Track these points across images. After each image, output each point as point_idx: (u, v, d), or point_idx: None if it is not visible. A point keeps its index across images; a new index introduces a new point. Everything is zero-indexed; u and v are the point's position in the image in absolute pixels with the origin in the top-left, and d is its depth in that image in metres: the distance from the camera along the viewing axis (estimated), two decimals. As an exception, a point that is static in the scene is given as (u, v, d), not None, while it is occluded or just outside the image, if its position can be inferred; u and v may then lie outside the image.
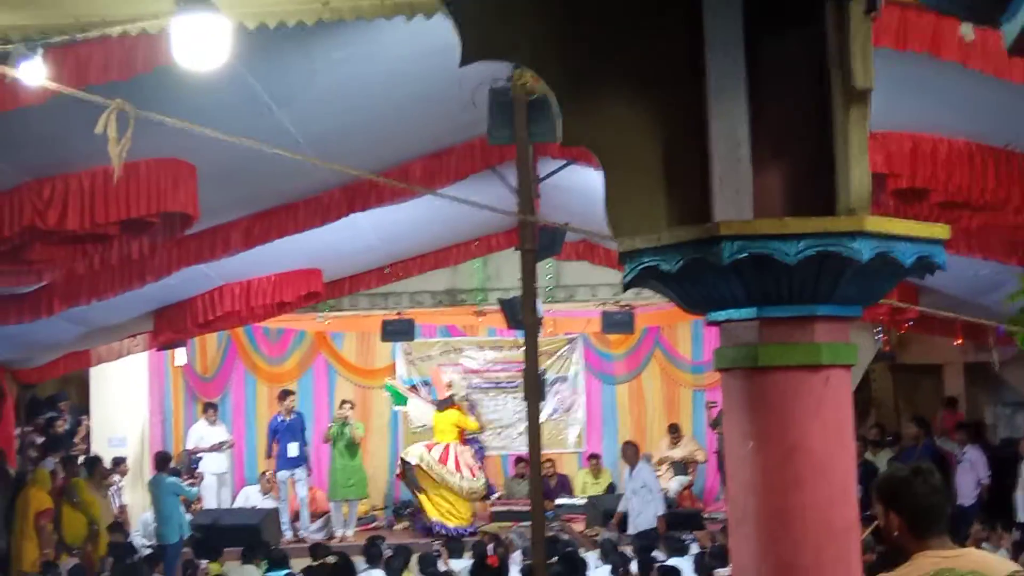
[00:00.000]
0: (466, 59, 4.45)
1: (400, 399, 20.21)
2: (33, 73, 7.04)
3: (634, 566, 13.04)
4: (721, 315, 4.23)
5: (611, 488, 20.16)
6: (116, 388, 19.34)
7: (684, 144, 4.32)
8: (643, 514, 16.74)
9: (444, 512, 18.14)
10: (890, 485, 4.84)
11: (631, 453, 17.68)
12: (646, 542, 14.48)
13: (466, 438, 19.15)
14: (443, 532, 17.62)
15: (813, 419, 4.12)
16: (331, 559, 9.02)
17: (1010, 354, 15.18)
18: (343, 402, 19.54)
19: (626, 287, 4.45)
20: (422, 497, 18.32)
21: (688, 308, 4.42)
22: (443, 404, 19.18)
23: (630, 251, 4.26)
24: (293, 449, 18.81)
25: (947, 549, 4.66)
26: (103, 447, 18.71)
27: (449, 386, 19.73)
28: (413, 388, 20.45)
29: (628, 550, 14.22)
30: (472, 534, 17.31)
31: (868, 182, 4.10)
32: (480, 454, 19.44)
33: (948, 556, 4.60)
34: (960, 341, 17.42)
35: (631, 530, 16.46)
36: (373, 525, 19.71)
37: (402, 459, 18.72)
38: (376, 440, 21.31)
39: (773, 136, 4.19)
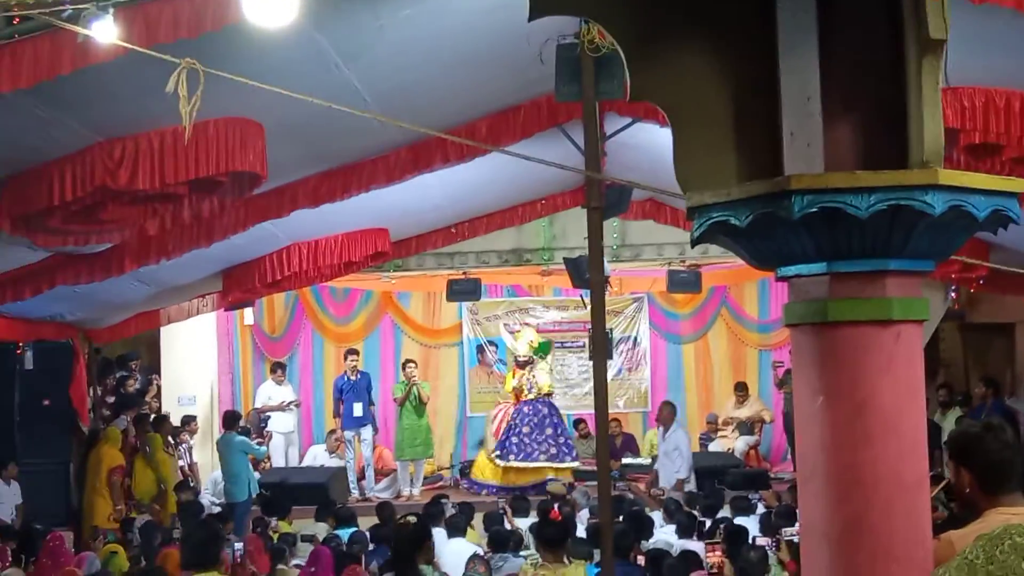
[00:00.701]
0: (535, 13, 4.43)
1: (545, 348, 20.03)
2: (104, 32, 7.08)
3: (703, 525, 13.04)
4: (791, 270, 4.20)
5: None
6: (185, 348, 19.57)
7: (754, 98, 4.29)
8: (668, 475, 16.89)
9: None
10: (961, 441, 4.80)
11: (667, 414, 17.69)
12: (712, 501, 14.47)
13: (521, 400, 19.25)
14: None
15: (883, 375, 4.09)
16: (410, 518, 9.08)
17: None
18: (407, 361, 19.62)
19: (694, 243, 4.43)
20: None
21: (757, 264, 4.39)
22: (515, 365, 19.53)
23: (699, 206, 4.23)
24: (358, 409, 18.94)
25: (1019, 506, 4.62)
26: (173, 406, 18.96)
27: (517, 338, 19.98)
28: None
29: (695, 510, 14.20)
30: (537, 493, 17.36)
31: (941, 134, 4.05)
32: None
33: (1019, 512, 4.56)
34: (1031, 299, 17.22)
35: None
36: (439, 484, 19.83)
37: None
38: (443, 400, 21.42)
39: (844, 89, 4.14)
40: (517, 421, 18.78)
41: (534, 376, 19.21)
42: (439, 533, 12.71)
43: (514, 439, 18.64)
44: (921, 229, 3.94)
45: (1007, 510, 4.58)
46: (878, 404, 4.06)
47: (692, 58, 4.36)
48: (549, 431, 18.66)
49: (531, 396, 18.97)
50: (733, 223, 4.08)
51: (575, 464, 18.64)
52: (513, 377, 19.38)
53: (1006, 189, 4.05)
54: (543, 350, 19.49)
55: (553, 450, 18.51)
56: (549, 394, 19.41)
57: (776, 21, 4.21)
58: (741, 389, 20.55)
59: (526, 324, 21.23)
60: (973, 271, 14.81)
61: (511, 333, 20.91)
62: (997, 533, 3.92)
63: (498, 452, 18.66)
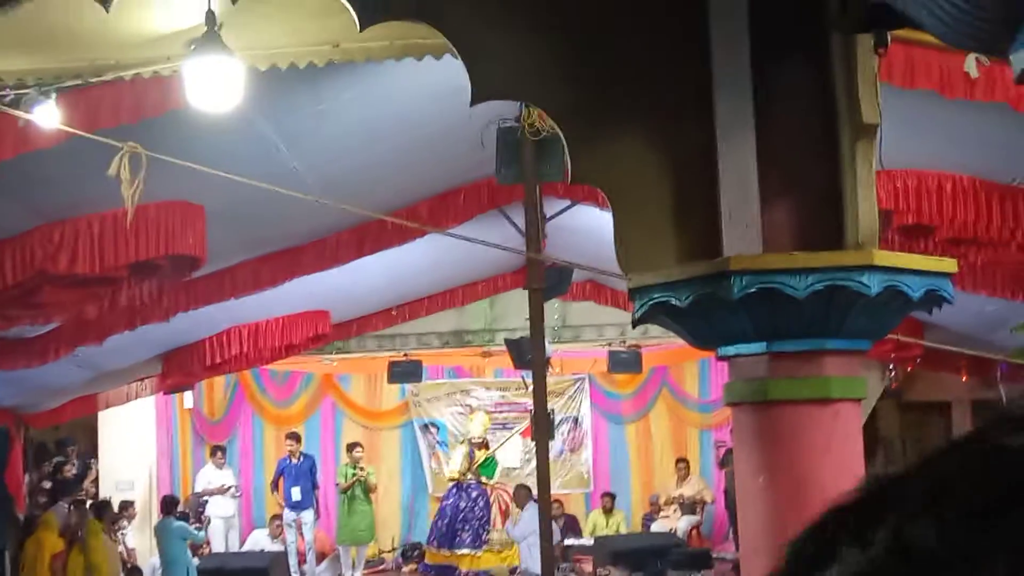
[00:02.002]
0: (476, 99, 4.50)
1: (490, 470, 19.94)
2: (47, 117, 7.09)
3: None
4: (731, 350, 4.26)
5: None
6: (124, 432, 19.34)
7: (693, 180, 4.36)
8: (533, 559, 16.94)
9: None
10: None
11: (523, 496, 17.75)
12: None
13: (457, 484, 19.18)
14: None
15: (823, 453, 4.14)
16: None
17: (1017, 391, 15.16)
18: (354, 445, 19.53)
19: (635, 323, 4.48)
20: None
21: (698, 343, 4.45)
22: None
23: (640, 287, 4.29)
24: (296, 493, 18.79)
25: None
26: (111, 491, 18.70)
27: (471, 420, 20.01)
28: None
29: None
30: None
31: (875, 216, 4.14)
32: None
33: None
34: (966, 378, 17.40)
35: (523, 564, 16.79)
36: (381, 568, 19.65)
37: None
38: (386, 482, 21.27)
39: (781, 171, 4.23)
40: (445, 509, 18.82)
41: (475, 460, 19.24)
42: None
43: (443, 528, 18.61)
44: (858, 309, 4.02)
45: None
46: (818, 482, 4.10)
47: (631, 141, 4.43)
48: (471, 517, 18.57)
49: (470, 479, 18.93)
50: (674, 304, 4.14)
51: (481, 553, 18.59)
52: (464, 459, 19.34)
53: (939, 270, 4.14)
54: (488, 471, 19.45)
55: (469, 539, 18.43)
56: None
57: (713, 106, 4.29)
58: (682, 464, 20.57)
59: (470, 407, 21.22)
60: (909, 350, 14.97)
61: (462, 415, 20.95)
62: None
63: (434, 543, 18.74)
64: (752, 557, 4.24)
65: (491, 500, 18.98)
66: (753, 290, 3.96)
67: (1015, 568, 0.67)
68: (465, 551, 18.30)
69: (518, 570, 17.25)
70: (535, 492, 18.17)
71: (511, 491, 19.02)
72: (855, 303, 4.00)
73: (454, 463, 19.30)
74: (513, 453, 19.93)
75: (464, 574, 17.80)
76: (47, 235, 9.40)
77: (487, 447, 19.30)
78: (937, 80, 7.55)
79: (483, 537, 18.49)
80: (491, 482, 19.03)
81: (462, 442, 19.55)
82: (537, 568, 16.39)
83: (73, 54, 7.05)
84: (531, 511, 17.61)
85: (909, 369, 18.27)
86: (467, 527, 18.45)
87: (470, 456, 18.99)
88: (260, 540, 19.43)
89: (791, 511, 4.13)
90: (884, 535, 0.72)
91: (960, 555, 0.68)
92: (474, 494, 18.74)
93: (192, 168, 7.23)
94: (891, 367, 18.28)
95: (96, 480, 19.03)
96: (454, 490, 18.86)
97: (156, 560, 17.13)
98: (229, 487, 19.40)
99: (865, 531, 0.73)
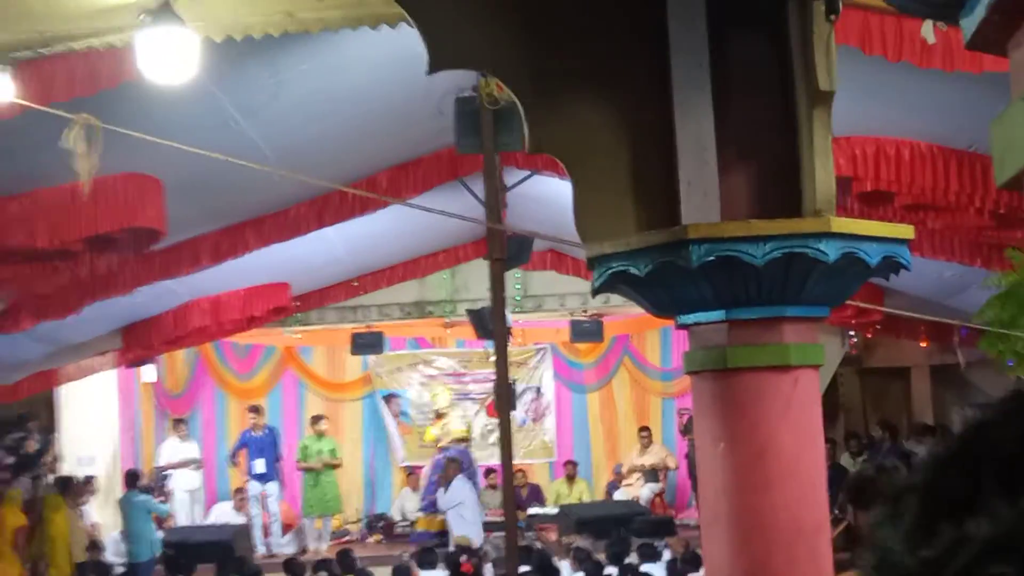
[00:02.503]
0: (433, 68, 4.47)
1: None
2: (0, 89, 7.02)
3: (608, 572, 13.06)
4: (690, 318, 4.27)
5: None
6: (85, 407, 19.23)
7: (651, 149, 4.36)
8: (460, 520, 17.06)
9: None
10: (857, 484, 4.89)
11: (452, 470, 17.87)
12: (618, 549, 14.50)
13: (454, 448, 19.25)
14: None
15: (782, 420, 4.16)
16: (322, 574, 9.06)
17: (976, 356, 15.28)
18: (318, 417, 19.55)
19: (595, 293, 4.48)
20: None
21: (657, 312, 4.45)
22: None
23: (599, 256, 4.29)
24: (260, 465, 18.76)
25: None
26: (73, 466, 18.61)
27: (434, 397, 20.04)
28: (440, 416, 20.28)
29: (602, 557, 14.23)
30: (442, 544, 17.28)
31: (833, 183, 4.15)
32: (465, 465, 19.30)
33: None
34: (925, 343, 17.54)
35: (455, 532, 16.89)
36: (346, 539, 19.66)
37: None
38: (349, 454, 21.27)
39: (739, 139, 4.23)
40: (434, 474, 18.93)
41: (447, 424, 19.38)
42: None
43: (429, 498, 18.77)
44: (816, 276, 4.03)
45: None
46: (778, 448, 4.12)
47: (589, 111, 4.42)
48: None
49: (446, 443, 19.06)
50: (633, 273, 4.14)
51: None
52: (433, 427, 19.51)
53: (897, 236, 4.15)
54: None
55: None
56: (464, 439, 19.51)
57: (670, 75, 4.28)
58: (644, 432, 20.65)
59: (431, 377, 21.31)
60: (869, 316, 15.06)
61: (425, 385, 21.09)
62: None
63: (421, 512, 18.79)
64: (712, 523, 4.26)
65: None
66: (711, 258, 3.96)
67: None
68: None
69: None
70: (464, 463, 18.42)
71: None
72: (813, 270, 4.01)
73: (454, 423, 19.53)
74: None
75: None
76: (2, 209, 9.31)
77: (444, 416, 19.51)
78: (892, 46, 7.56)
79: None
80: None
81: (442, 414, 19.78)
82: (467, 532, 16.50)
83: (24, 26, 6.98)
84: (459, 482, 17.72)
85: (869, 335, 18.40)
86: None
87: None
88: (224, 512, 19.39)
89: (750, 477, 4.15)
90: None
91: None
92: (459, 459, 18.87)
93: (149, 140, 7.16)
94: (851, 334, 18.39)
95: (57, 455, 18.92)
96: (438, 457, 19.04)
97: (119, 534, 17.08)
98: (191, 461, 19.34)
99: (1010, 479, 0.70)
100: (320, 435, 19.12)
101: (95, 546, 15.98)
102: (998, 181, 2.05)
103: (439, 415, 19.84)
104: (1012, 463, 0.71)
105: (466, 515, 17.46)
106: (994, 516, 0.69)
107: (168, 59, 6.92)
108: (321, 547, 18.51)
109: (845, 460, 17.86)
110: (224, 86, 9.02)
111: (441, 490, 17.93)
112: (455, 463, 18.20)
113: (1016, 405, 0.75)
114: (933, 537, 0.72)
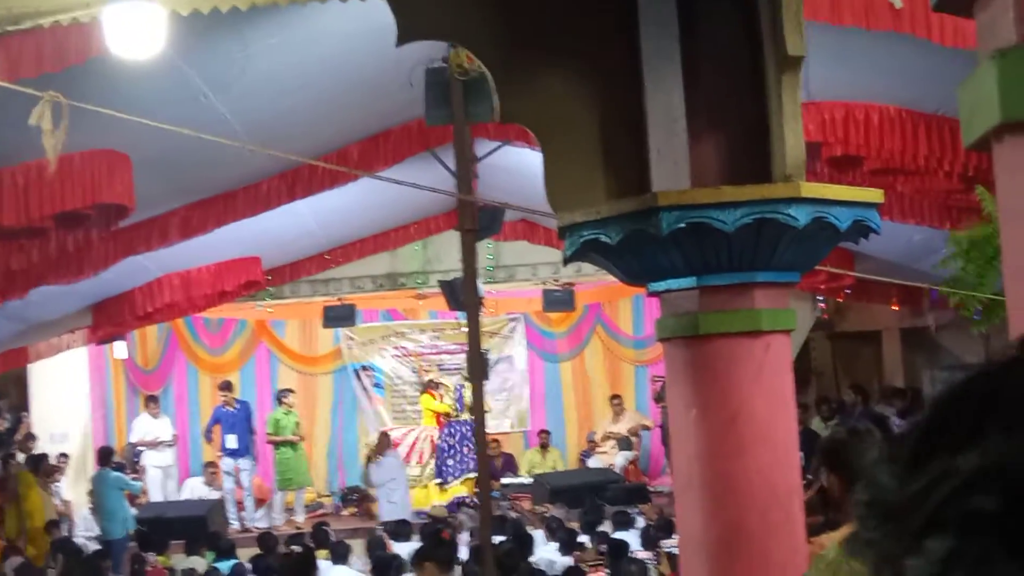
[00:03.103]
0: (402, 39, 4.47)
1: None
2: (-36, 66, 6.97)
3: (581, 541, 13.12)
4: (661, 285, 4.28)
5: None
6: (56, 384, 19.18)
7: (620, 117, 4.36)
8: (389, 505, 17.09)
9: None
10: (830, 447, 4.91)
11: (384, 442, 17.92)
12: (593, 518, 14.57)
13: (448, 421, 19.27)
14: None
15: (754, 385, 4.18)
16: (295, 548, 9.14)
17: (946, 318, 15.39)
18: (285, 392, 19.52)
19: (566, 261, 4.49)
20: None
21: (629, 280, 4.47)
22: (422, 388, 19.53)
23: (570, 225, 4.30)
24: (231, 441, 18.74)
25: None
26: (45, 444, 18.56)
27: (426, 370, 20.02)
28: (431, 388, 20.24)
29: (576, 526, 14.30)
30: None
31: (802, 148, 4.16)
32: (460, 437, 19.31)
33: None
34: (896, 307, 17.63)
35: (382, 518, 16.86)
36: (320, 512, 19.67)
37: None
38: (319, 428, 21.28)
39: (708, 106, 4.24)
40: (449, 442, 18.94)
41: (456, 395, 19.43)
42: (322, 561, 12.64)
43: (449, 461, 18.76)
44: (786, 241, 4.05)
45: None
46: (750, 414, 4.15)
47: (559, 80, 4.43)
48: (466, 449, 18.77)
49: (462, 416, 19.09)
50: (604, 241, 4.15)
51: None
52: (435, 400, 19.47)
53: (866, 200, 4.18)
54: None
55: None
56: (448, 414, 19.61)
57: (640, 43, 4.29)
58: (616, 400, 20.72)
59: (405, 349, 21.36)
60: (840, 281, 15.14)
61: (398, 358, 21.16)
62: (833, 558, 3.90)
63: (439, 480, 18.80)
64: (686, 489, 4.29)
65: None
66: (682, 225, 3.97)
67: None
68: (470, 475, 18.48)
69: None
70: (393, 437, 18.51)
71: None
72: (783, 235, 4.03)
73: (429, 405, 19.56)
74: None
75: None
76: (-30, 187, 9.26)
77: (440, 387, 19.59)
78: (862, 12, 7.58)
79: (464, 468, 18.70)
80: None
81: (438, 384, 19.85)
82: (395, 517, 16.50)
83: (-11, 2, 6.93)
84: (390, 457, 17.75)
85: (840, 300, 18.48)
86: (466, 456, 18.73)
87: (457, 391, 19.28)
88: (195, 488, 19.37)
89: (723, 443, 4.17)
90: None
91: None
92: (464, 430, 18.89)
93: (117, 116, 7.13)
94: (822, 298, 18.48)
95: (30, 433, 18.88)
96: (446, 428, 19.14)
97: (91, 511, 17.06)
98: (164, 441, 19.29)
99: (1016, 416, 0.70)
100: (289, 409, 19.10)
101: (55, 525, 15.89)
102: (965, 142, 2.06)
103: (432, 385, 19.74)
104: (1014, 404, 0.71)
105: (395, 497, 17.46)
106: (984, 449, 0.69)
107: (135, 34, 6.88)
108: (299, 519, 18.52)
109: (816, 424, 17.97)
110: (192, 61, 8.97)
111: (373, 465, 17.93)
112: (386, 436, 18.26)
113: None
114: (923, 472, 0.72)
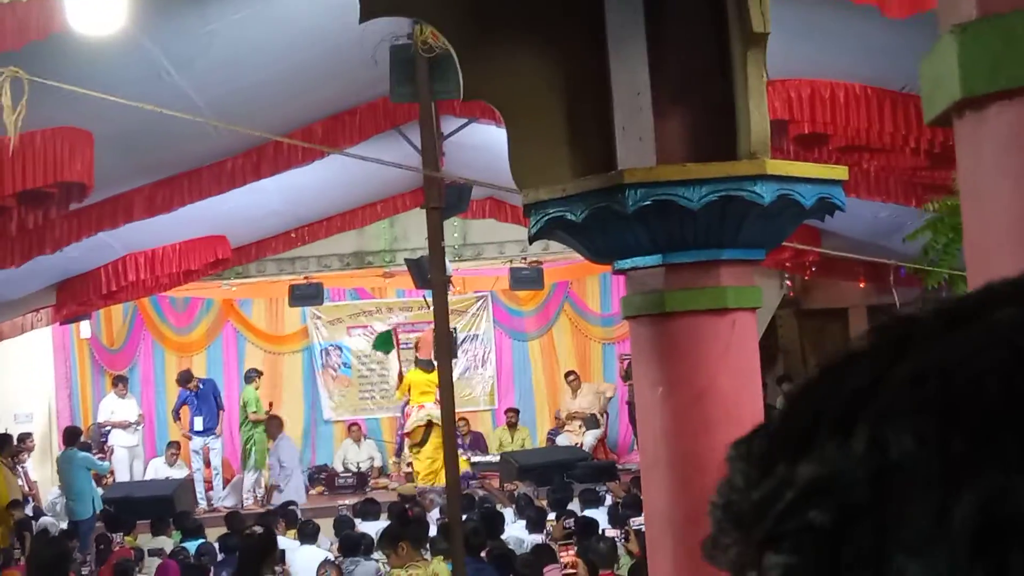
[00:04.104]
0: (365, 16, 4.43)
1: (386, 346, 20.02)
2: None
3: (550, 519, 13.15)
4: (627, 263, 4.27)
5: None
6: (20, 364, 19.06)
7: (585, 94, 4.34)
8: (281, 489, 17.10)
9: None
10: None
11: (274, 427, 17.91)
12: (561, 496, 14.59)
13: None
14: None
15: (721, 362, 4.18)
16: (256, 528, 9.12)
17: (912, 295, 15.45)
18: (253, 372, 19.43)
19: (532, 239, 4.48)
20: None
21: (595, 258, 4.45)
22: (429, 364, 19.40)
23: (535, 203, 4.28)
24: (199, 423, 18.70)
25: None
26: (9, 424, 18.45)
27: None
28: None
29: (544, 503, 14.32)
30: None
31: (767, 126, 4.15)
32: None
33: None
34: (863, 284, 17.70)
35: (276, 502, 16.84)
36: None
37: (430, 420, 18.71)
38: (289, 407, 21.22)
39: (673, 83, 4.23)
40: None
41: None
42: (289, 540, 12.64)
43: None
44: (752, 218, 4.04)
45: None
46: (717, 391, 4.14)
47: (523, 57, 4.40)
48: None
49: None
50: (569, 218, 4.13)
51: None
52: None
53: (831, 177, 4.17)
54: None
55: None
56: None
57: (605, 19, 4.26)
58: (572, 376, 20.70)
59: (373, 328, 21.33)
60: (806, 257, 15.18)
61: (365, 337, 21.15)
62: None
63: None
64: (652, 468, 4.29)
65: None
66: (647, 202, 3.96)
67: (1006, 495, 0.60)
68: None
69: None
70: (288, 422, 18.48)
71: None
72: (749, 213, 4.02)
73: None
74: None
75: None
76: (-71, 165, 9.16)
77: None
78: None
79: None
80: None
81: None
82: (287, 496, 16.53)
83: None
84: (284, 442, 17.71)
85: (806, 277, 18.53)
86: None
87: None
88: (160, 468, 19.29)
89: (689, 421, 4.17)
90: (864, 432, 0.64)
91: (945, 471, 0.61)
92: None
93: (79, 93, 7.06)
94: (788, 275, 18.52)
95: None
96: None
97: (57, 491, 17.00)
98: (132, 423, 19.21)
99: (849, 420, 0.65)
100: (256, 389, 19.06)
101: (18, 504, 15.79)
102: (927, 118, 2.05)
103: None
104: (851, 402, 0.67)
105: (288, 484, 17.43)
106: (822, 458, 0.65)
107: (97, 10, 6.81)
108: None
109: (780, 403, 18.09)
110: (155, 37, 8.90)
111: (270, 444, 17.92)
112: (277, 420, 18.18)
113: (878, 340, 0.71)
114: (769, 478, 0.67)
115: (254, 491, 18.66)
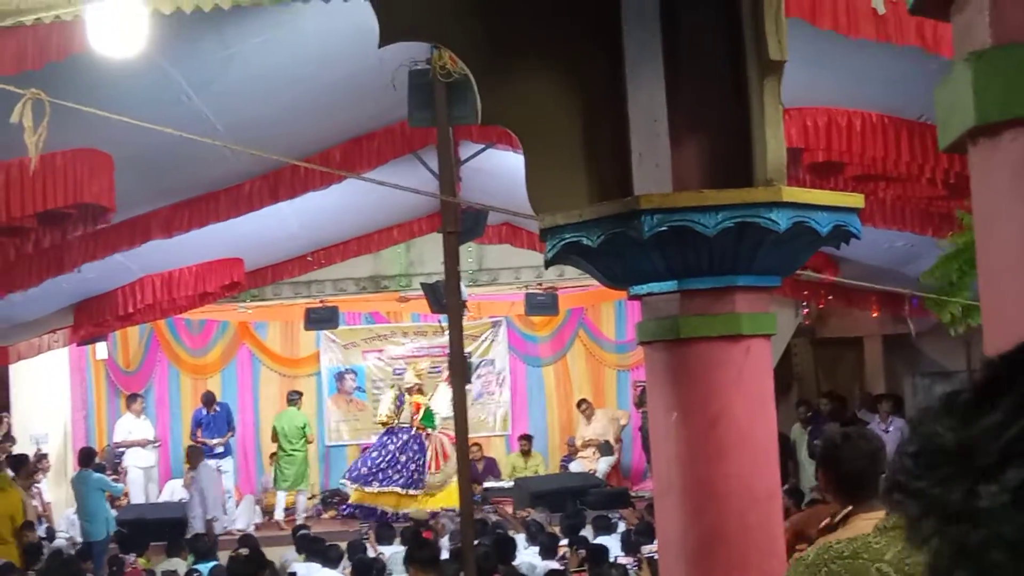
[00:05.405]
0: (384, 40, 4.45)
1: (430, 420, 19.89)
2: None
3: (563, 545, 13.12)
4: (643, 289, 4.28)
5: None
6: (36, 384, 19.10)
7: (603, 120, 4.36)
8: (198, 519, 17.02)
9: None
10: (824, 448, 4.91)
11: (195, 456, 17.83)
12: (574, 522, 14.56)
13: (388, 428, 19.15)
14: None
15: (735, 389, 4.18)
16: (243, 551, 9.13)
17: (927, 325, 15.42)
18: (295, 393, 19.52)
19: (548, 264, 4.49)
20: None
21: (610, 283, 4.46)
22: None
23: (551, 227, 4.29)
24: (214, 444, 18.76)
25: (877, 511, 4.73)
26: (25, 444, 18.49)
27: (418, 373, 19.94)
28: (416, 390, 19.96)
29: (557, 530, 14.29)
30: (405, 519, 17.26)
31: (783, 153, 4.17)
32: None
33: (877, 517, 4.66)
34: (876, 313, 17.67)
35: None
36: (305, 516, 19.62)
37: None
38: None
39: (690, 110, 4.24)
40: (370, 451, 18.88)
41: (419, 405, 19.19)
42: (306, 564, 12.65)
43: (365, 467, 18.59)
44: (767, 246, 4.05)
45: (867, 516, 4.68)
46: (731, 417, 4.15)
47: (541, 82, 4.42)
48: (403, 459, 18.56)
49: (405, 424, 18.90)
50: (585, 244, 4.15)
51: (418, 493, 18.58)
52: (393, 404, 19.25)
53: (847, 205, 4.18)
54: (429, 421, 19.37)
55: (401, 479, 18.40)
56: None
57: (623, 46, 4.28)
58: (584, 405, 20.65)
59: (386, 353, 21.32)
60: (821, 285, 15.17)
61: (380, 360, 21.10)
62: (812, 560, 3.87)
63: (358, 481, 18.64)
64: (665, 493, 4.29)
65: (427, 445, 18.93)
66: (663, 228, 3.97)
67: None
68: (394, 489, 18.28)
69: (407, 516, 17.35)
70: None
71: (452, 437, 19.07)
72: (764, 239, 4.03)
73: (383, 407, 19.26)
74: (443, 402, 19.87)
75: (389, 515, 17.79)
76: (-49, 186, 9.22)
77: (421, 392, 19.29)
78: (844, 17, 7.59)
79: (416, 479, 18.51)
80: (434, 432, 19.00)
81: (392, 387, 19.58)
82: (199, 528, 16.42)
83: (-29, -1, 6.91)
84: (203, 471, 17.59)
85: (821, 305, 18.50)
86: (398, 467, 18.46)
87: (399, 401, 18.99)
88: (176, 490, 19.30)
89: (703, 448, 4.17)
90: None
91: None
92: (405, 437, 18.74)
93: (99, 115, 7.11)
94: (805, 304, 18.50)
95: (9, 433, 18.79)
96: (385, 435, 18.88)
97: (71, 512, 17.00)
98: (149, 441, 19.25)
99: None
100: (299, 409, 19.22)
101: (30, 526, 15.78)
102: (941, 144, 2.07)
103: (411, 390, 19.45)
104: None
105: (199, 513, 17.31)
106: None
107: (117, 32, 6.86)
108: (299, 519, 18.45)
109: (796, 430, 18.02)
110: (175, 60, 8.96)
111: (191, 474, 17.81)
112: (197, 449, 18.07)
113: None
114: (985, 416, 0.79)
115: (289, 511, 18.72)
